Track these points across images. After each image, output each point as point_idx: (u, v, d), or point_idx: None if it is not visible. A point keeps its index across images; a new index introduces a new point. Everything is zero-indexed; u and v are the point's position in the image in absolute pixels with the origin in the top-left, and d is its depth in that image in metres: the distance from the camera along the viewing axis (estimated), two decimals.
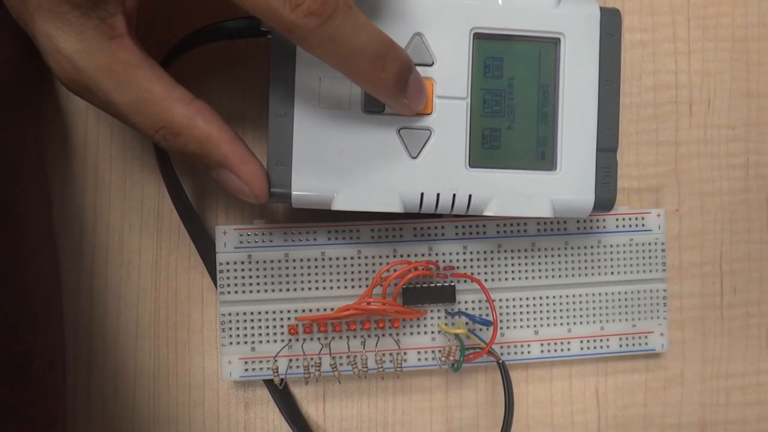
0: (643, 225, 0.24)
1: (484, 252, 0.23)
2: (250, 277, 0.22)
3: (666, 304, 0.24)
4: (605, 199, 0.21)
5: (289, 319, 0.22)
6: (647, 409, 0.25)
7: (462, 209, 0.20)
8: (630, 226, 0.24)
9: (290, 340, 0.22)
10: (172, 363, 0.23)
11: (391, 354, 0.23)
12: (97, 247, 0.23)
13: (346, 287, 0.23)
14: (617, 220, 0.24)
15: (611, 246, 0.24)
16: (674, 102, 0.25)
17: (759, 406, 0.26)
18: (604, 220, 0.24)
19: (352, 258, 0.23)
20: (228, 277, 0.22)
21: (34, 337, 0.20)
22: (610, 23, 0.21)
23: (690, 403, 0.25)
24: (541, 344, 0.24)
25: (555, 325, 0.24)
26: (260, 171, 0.19)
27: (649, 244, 0.24)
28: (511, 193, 0.20)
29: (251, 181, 0.19)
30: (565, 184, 0.21)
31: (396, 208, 0.20)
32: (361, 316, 0.22)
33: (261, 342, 0.22)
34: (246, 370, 0.22)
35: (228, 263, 0.22)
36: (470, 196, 0.20)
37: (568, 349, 0.24)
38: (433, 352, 0.23)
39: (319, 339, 0.22)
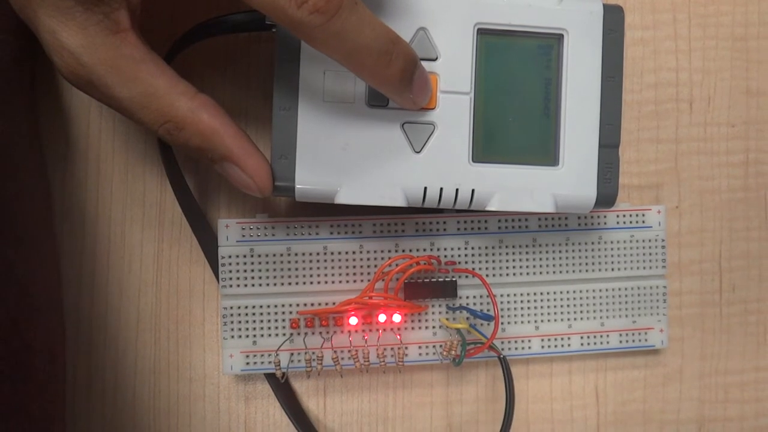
0: (643, 222, 0.24)
1: (486, 247, 0.23)
2: (252, 270, 0.22)
3: (666, 300, 0.24)
4: (607, 195, 0.21)
5: (290, 313, 0.22)
6: (646, 405, 0.25)
7: (465, 204, 0.21)
8: (630, 222, 0.24)
9: (292, 334, 0.22)
10: (173, 356, 0.23)
11: (392, 348, 0.23)
12: (99, 240, 0.23)
13: (348, 281, 0.23)
14: (618, 216, 0.24)
15: (612, 242, 0.24)
16: (675, 99, 0.26)
17: (757, 403, 0.26)
18: (604, 217, 0.24)
19: (354, 252, 0.23)
20: (230, 271, 0.22)
21: (35, 333, 0.20)
22: (613, 20, 0.21)
23: (689, 400, 0.26)
24: (542, 340, 0.24)
25: (555, 320, 0.24)
26: (265, 165, 0.19)
27: (649, 240, 0.24)
28: (513, 188, 0.20)
29: (256, 174, 0.19)
30: (568, 180, 0.21)
31: (399, 202, 0.20)
32: (363, 311, 0.22)
33: (263, 336, 0.22)
34: (247, 363, 0.22)
35: (230, 257, 0.22)
36: (473, 190, 0.20)
37: (569, 345, 0.24)
38: (434, 346, 0.23)
39: (320, 333, 0.22)
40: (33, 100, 0.22)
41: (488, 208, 0.20)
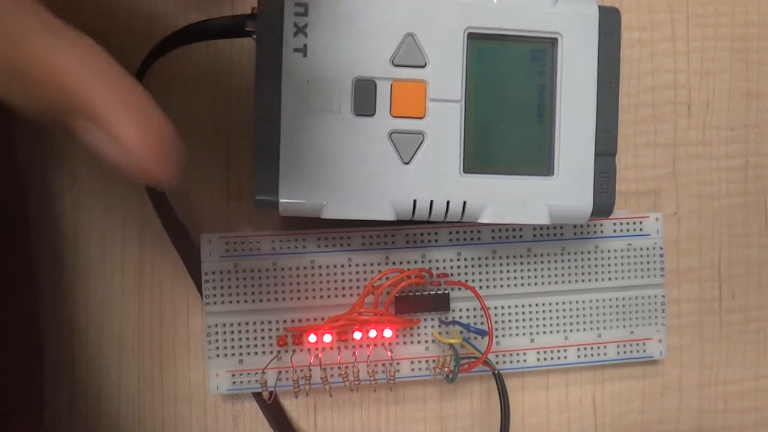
0: (641, 229, 0.24)
1: (479, 258, 0.23)
2: (237, 286, 0.21)
3: (664, 310, 0.24)
4: (604, 205, 0.20)
5: (277, 330, 0.22)
6: (644, 416, 0.25)
7: (456, 216, 0.20)
8: (628, 230, 0.23)
9: (279, 351, 0.22)
10: (157, 375, 0.23)
11: (383, 365, 0.22)
12: (78, 256, 0.22)
13: (336, 296, 0.22)
14: (615, 224, 0.23)
15: (609, 251, 0.23)
16: (673, 102, 0.25)
17: (757, 412, 0.25)
18: (601, 225, 0.23)
19: (342, 266, 0.22)
20: (214, 287, 0.21)
21: (6, 356, 0.19)
22: (609, 23, 0.20)
23: (688, 410, 0.25)
24: (538, 352, 0.23)
25: (551, 332, 0.23)
26: (154, 126, 0.12)
27: (647, 249, 0.24)
28: (507, 199, 0.20)
29: (136, 141, 0.12)
30: (563, 190, 0.20)
31: (388, 216, 0.19)
32: (353, 327, 0.22)
33: (249, 354, 0.22)
34: (234, 383, 0.22)
35: (214, 273, 0.21)
36: (465, 202, 0.19)
37: (565, 357, 0.23)
38: (426, 361, 0.22)
39: (309, 350, 0.22)
40: (4, 111, 0.21)
41: (481, 221, 0.20)
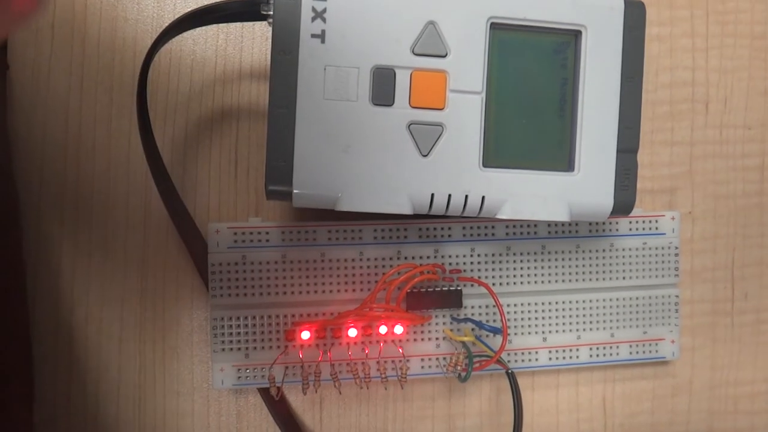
0: (656, 228, 0.23)
1: (493, 254, 0.22)
2: (245, 279, 0.21)
3: (678, 310, 0.23)
4: (624, 203, 0.20)
5: (285, 324, 0.21)
6: (654, 417, 0.25)
7: (474, 211, 0.19)
8: (643, 229, 0.23)
9: (287, 346, 0.21)
10: (159, 369, 0.22)
11: (393, 362, 0.22)
12: (79, 244, 0.22)
13: (347, 290, 0.21)
14: (630, 222, 0.23)
15: (624, 250, 0.23)
16: (690, 100, 0.24)
17: (767, 414, 0.25)
18: (617, 223, 0.23)
19: (353, 260, 0.21)
20: (221, 279, 0.21)
21: None
22: (634, 16, 0.19)
23: (698, 411, 0.25)
24: (549, 351, 0.23)
25: (564, 331, 0.23)
26: None
27: (662, 248, 0.23)
28: (526, 195, 0.19)
29: None
30: (584, 187, 0.19)
31: (405, 209, 0.19)
32: (363, 322, 0.21)
33: (255, 348, 0.21)
34: (239, 378, 0.21)
35: (221, 264, 0.21)
36: (483, 197, 0.19)
37: (577, 357, 0.23)
38: (437, 359, 0.22)
39: (318, 345, 0.21)
40: (2, 95, 0.21)
41: (499, 217, 0.19)
